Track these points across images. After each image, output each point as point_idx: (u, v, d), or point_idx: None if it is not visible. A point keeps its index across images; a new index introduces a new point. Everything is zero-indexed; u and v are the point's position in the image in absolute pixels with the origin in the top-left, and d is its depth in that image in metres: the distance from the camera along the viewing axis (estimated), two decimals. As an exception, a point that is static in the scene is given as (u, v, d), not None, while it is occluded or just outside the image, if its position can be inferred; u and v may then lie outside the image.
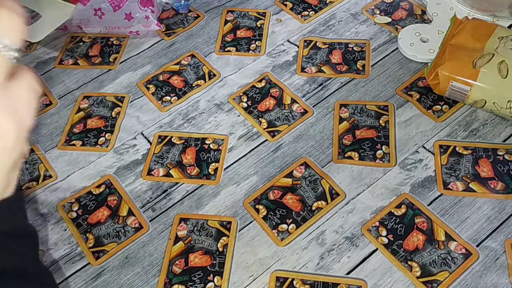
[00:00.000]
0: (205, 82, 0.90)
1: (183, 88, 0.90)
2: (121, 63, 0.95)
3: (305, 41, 0.94)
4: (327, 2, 1.01)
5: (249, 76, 0.90)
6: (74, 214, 0.75)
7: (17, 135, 0.32)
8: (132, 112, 0.87)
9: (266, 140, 0.81)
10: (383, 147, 0.78)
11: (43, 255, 0.70)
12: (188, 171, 0.78)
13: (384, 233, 0.69)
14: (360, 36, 0.94)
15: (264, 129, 0.82)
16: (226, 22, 1.00)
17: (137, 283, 0.67)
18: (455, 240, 0.67)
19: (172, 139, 0.82)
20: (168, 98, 0.88)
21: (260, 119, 0.83)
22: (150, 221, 0.73)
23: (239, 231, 0.71)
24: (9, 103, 0.31)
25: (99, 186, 0.78)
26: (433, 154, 0.76)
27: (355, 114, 0.82)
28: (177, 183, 0.77)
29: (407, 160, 0.76)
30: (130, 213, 0.74)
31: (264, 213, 0.72)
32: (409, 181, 0.74)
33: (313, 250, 0.68)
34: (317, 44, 0.93)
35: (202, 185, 0.77)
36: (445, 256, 0.66)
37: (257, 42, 0.95)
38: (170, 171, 0.78)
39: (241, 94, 0.87)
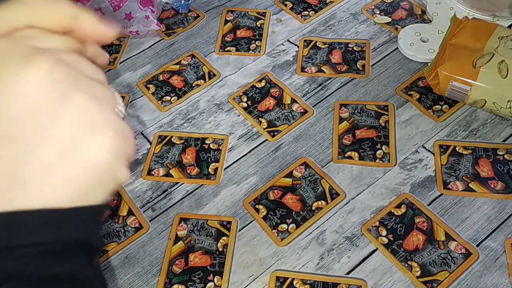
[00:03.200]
0: (205, 82, 0.90)
1: (183, 88, 0.90)
2: (121, 63, 0.95)
3: (305, 41, 0.94)
4: (327, 2, 1.01)
5: (249, 76, 0.90)
6: (74, 214, 0.75)
7: (114, 156, 0.31)
8: (132, 112, 0.87)
9: (266, 140, 0.81)
10: (383, 147, 0.78)
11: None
12: (188, 171, 0.78)
13: (384, 233, 0.69)
14: (360, 36, 0.94)
15: (264, 129, 0.82)
16: (226, 22, 1.00)
17: (137, 283, 0.67)
18: (455, 240, 0.67)
19: (172, 139, 0.82)
20: (168, 98, 0.88)
21: (260, 119, 0.83)
22: (150, 221, 0.73)
23: (239, 231, 0.71)
24: (114, 122, 0.31)
25: (99, 186, 0.78)
26: (433, 154, 0.76)
27: (355, 114, 0.82)
28: (177, 183, 0.77)
29: (407, 160, 0.76)
30: (130, 213, 0.74)
31: (264, 213, 0.72)
32: (409, 181, 0.74)
33: (313, 250, 0.68)
34: (317, 44, 0.93)
35: (202, 185, 0.77)
36: (445, 256, 0.66)
37: (257, 42, 0.95)
38: (170, 171, 0.78)
39: (241, 94, 0.87)
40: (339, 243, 0.69)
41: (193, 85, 0.90)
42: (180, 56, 0.95)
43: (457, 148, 0.76)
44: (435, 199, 0.72)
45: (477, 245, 0.67)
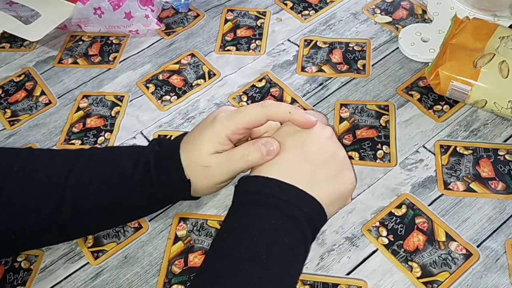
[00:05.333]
0: (205, 81, 0.90)
1: (183, 88, 0.89)
2: (120, 62, 0.95)
3: (305, 40, 0.94)
4: (327, 1, 1.00)
5: (249, 75, 0.90)
6: (73, 214, 0.75)
7: (352, 187, 0.64)
8: (132, 111, 0.87)
9: (266, 139, 0.81)
10: (384, 147, 0.77)
11: (42, 255, 0.70)
12: (188, 171, 0.78)
13: (384, 233, 0.69)
14: (361, 36, 0.94)
15: (264, 128, 0.82)
16: (226, 21, 1.00)
17: (136, 283, 0.67)
18: (456, 241, 0.67)
19: (172, 138, 0.82)
20: (167, 97, 0.88)
21: (260, 118, 0.83)
22: (149, 220, 0.73)
23: (239, 231, 0.71)
24: (351, 166, 0.63)
25: (98, 186, 0.78)
26: (434, 154, 0.76)
27: (356, 114, 0.82)
28: (176, 182, 0.77)
29: (408, 160, 0.76)
30: (130, 212, 0.74)
31: (264, 213, 0.72)
32: (409, 181, 0.73)
33: (313, 250, 0.68)
34: (318, 43, 0.93)
35: (201, 184, 0.76)
36: (445, 257, 0.66)
37: (257, 41, 0.95)
38: (170, 171, 0.78)
39: (241, 93, 0.87)
40: (339, 244, 0.68)
41: (193, 84, 0.90)
42: (180, 55, 0.94)
43: (457, 148, 0.76)
44: (435, 199, 0.71)
45: (478, 246, 0.67)
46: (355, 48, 0.92)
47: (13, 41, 1.00)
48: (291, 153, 0.61)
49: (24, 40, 0.99)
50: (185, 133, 0.67)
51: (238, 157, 0.61)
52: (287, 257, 0.56)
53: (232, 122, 0.61)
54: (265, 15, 1.00)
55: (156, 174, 0.63)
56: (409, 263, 0.66)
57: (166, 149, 0.65)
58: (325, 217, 0.62)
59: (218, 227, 0.71)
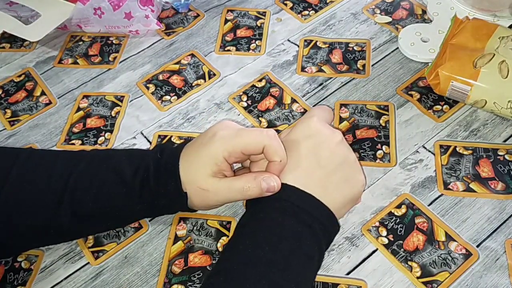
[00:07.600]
0: (205, 81, 0.90)
1: (183, 88, 0.89)
2: (120, 62, 0.95)
3: (305, 40, 0.94)
4: (327, 1, 1.00)
5: (249, 75, 0.90)
6: (74, 214, 0.75)
7: (362, 189, 0.66)
8: (132, 111, 0.87)
9: (266, 139, 0.81)
10: (384, 147, 0.78)
11: (42, 255, 0.70)
12: (188, 171, 0.78)
13: (384, 233, 0.69)
14: (361, 36, 0.94)
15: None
16: (226, 21, 1.00)
17: (136, 283, 0.67)
18: (455, 241, 0.67)
19: (172, 138, 0.82)
20: (168, 97, 0.88)
21: (260, 118, 0.83)
22: (149, 220, 0.73)
23: (239, 231, 0.71)
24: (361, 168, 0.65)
25: (98, 186, 0.78)
26: (434, 154, 0.76)
27: (355, 114, 0.82)
28: (176, 182, 0.77)
29: (408, 160, 0.76)
30: (130, 212, 0.74)
31: (264, 213, 0.72)
32: (409, 181, 0.73)
33: (313, 250, 0.68)
34: (317, 43, 0.93)
35: (201, 184, 0.76)
36: (445, 257, 0.66)
37: (257, 42, 0.95)
38: (170, 171, 0.78)
39: (241, 93, 0.87)
40: (339, 244, 0.68)
41: (193, 84, 0.90)
42: (180, 55, 0.94)
43: (457, 149, 0.76)
44: (435, 199, 0.71)
45: (477, 246, 0.67)
46: (355, 48, 0.92)
47: (13, 41, 1.00)
48: (305, 157, 0.61)
49: (24, 40, 0.99)
50: (188, 141, 0.67)
51: (237, 189, 0.60)
52: (303, 265, 0.57)
53: (230, 144, 0.60)
54: (265, 15, 1.00)
55: (155, 184, 0.63)
56: (409, 263, 0.66)
57: (166, 159, 0.64)
58: (338, 227, 0.63)
59: (218, 227, 0.71)
